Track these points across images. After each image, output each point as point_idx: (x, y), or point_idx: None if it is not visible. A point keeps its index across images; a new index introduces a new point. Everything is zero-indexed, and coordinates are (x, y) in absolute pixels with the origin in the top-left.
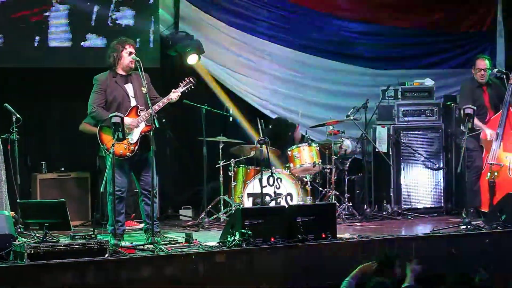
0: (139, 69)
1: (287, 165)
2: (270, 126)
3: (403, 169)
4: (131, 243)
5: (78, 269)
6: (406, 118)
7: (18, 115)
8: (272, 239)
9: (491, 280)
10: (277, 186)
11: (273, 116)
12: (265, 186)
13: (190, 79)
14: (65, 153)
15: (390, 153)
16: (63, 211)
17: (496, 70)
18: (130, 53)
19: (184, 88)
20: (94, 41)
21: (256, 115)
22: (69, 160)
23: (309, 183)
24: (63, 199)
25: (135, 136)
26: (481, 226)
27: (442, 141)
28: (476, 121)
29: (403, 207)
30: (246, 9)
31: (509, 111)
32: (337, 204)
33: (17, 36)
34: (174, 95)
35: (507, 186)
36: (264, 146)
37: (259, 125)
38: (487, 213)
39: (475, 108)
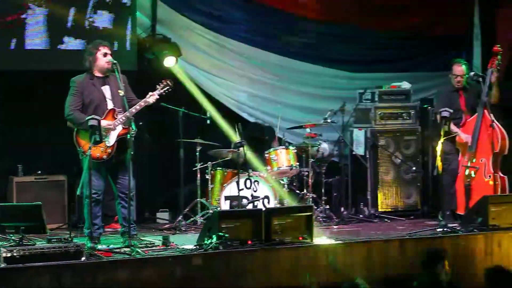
0: (116, 71)
1: (265, 168)
2: (247, 131)
3: (380, 172)
4: (108, 246)
5: (55, 273)
6: (383, 121)
7: None
8: (249, 242)
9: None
10: (254, 189)
11: (250, 119)
12: (242, 189)
13: (168, 81)
14: (42, 156)
15: (367, 156)
16: (39, 214)
17: (472, 73)
18: (104, 54)
19: (162, 91)
20: (71, 43)
21: (234, 118)
22: (45, 163)
23: (286, 186)
24: (39, 202)
25: (112, 139)
26: (458, 228)
27: (419, 144)
28: (452, 126)
29: (380, 210)
30: (223, 12)
31: (484, 115)
32: (314, 207)
33: None
34: (152, 98)
35: (483, 189)
36: (241, 149)
37: (237, 128)
38: (463, 215)
39: (452, 111)
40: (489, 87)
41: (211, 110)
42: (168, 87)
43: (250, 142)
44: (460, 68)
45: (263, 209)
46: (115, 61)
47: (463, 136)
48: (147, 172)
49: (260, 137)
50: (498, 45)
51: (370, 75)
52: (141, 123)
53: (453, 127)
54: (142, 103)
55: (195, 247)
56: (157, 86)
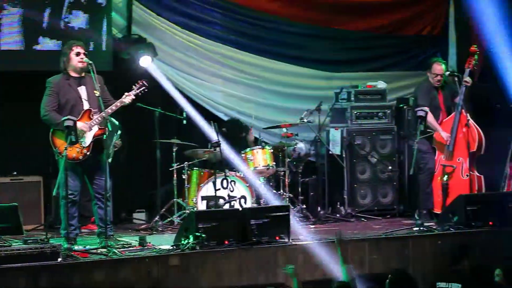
0: (91, 72)
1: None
2: (224, 129)
3: (357, 171)
4: (84, 247)
5: (31, 274)
6: (359, 121)
7: None
8: (226, 242)
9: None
10: (231, 189)
11: (226, 119)
12: (219, 189)
13: (143, 82)
14: (18, 157)
15: (344, 156)
16: (15, 215)
17: (448, 72)
18: (77, 54)
19: (138, 91)
20: (47, 44)
21: (210, 118)
22: (21, 164)
23: (263, 185)
24: (16, 203)
25: (87, 139)
26: (434, 227)
27: (395, 143)
28: (434, 123)
29: (356, 209)
30: (199, 12)
31: (461, 114)
32: (291, 207)
33: None
34: (127, 98)
35: (459, 188)
36: (217, 148)
37: (213, 127)
38: (440, 214)
39: (428, 110)
40: (466, 87)
41: (188, 110)
42: (144, 88)
43: (226, 141)
44: (440, 67)
45: (240, 209)
46: (90, 61)
47: (444, 135)
48: (124, 173)
49: (237, 136)
50: (475, 45)
51: (346, 74)
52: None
53: (436, 125)
54: (118, 103)
55: (172, 247)
56: (133, 86)
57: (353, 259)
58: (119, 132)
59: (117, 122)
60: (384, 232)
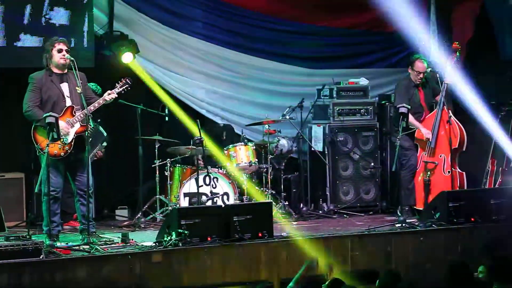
0: (73, 68)
1: (223, 164)
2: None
3: (339, 168)
4: (67, 243)
5: (14, 270)
6: (341, 117)
7: None
8: (209, 239)
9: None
10: (214, 186)
11: (209, 116)
12: (202, 186)
13: (127, 80)
14: None
15: (326, 152)
16: None
17: (429, 70)
18: (59, 50)
19: (121, 89)
20: (28, 40)
21: (192, 114)
22: (3, 161)
23: (245, 182)
24: None
25: (70, 136)
26: (416, 224)
27: (377, 140)
28: (412, 119)
29: (339, 206)
30: (181, 9)
31: (443, 111)
32: (274, 203)
33: None
34: (110, 96)
35: (441, 184)
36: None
37: (196, 124)
38: (422, 211)
39: (409, 107)
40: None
41: (171, 107)
42: (127, 86)
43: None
44: (422, 65)
45: (223, 205)
46: (72, 58)
47: (424, 131)
48: (106, 169)
49: (219, 137)
50: (457, 42)
51: (328, 71)
52: (99, 120)
53: (413, 121)
54: (100, 101)
55: (154, 244)
56: (116, 84)
57: (336, 256)
58: (104, 143)
59: (105, 133)
60: (366, 229)
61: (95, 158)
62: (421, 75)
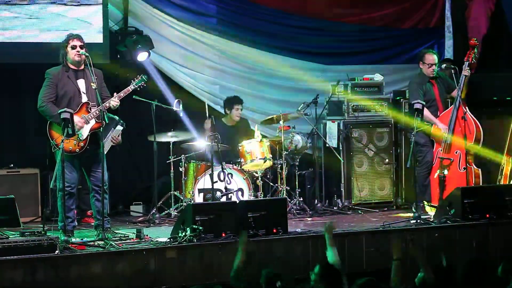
0: (88, 64)
1: (238, 161)
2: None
3: (354, 164)
4: (82, 239)
5: (28, 266)
6: (356, 113)
7: None
8: (223, 235)
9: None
10: (228, 182)
11: (223, 112)
12: (216, 182)
13: (142, 76)
14: (14, 149)
15: (341, 148)
16: (12, 207)
17: (444, 65)
18: (73, 47)
19: (136, 86)
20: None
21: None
22: (18, 156)
23: (260, 178)
24: (12, 196)
25: (85, 132)
26: (431, 220)
27: (392, 136)
28: (429, 114)
29: (353, 202)
30: (195, 4)
31: (459, 107)
32: (288, 199)
33: None
34: (125, 92)
35: (457, 181)
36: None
37: (211, 120)
38: (437, 207)
39: (424, 103)
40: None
41: (184, 103)
42: (142, 82)
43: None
44: (432, 57)
45: (237, 201)
46: (87, 54)
47: (441, 126)
48: (121, 165)
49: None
50: (475, 39)
51: (343, 67)
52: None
53: (429, 115)
54: (116, 98)
55: (169, 240)
56: (132, 81)
57: (350, 252)
58: (119, 127)
59: (116, 117)
60: (381, 225)
61: (112, 144)
62: (433, 67)
